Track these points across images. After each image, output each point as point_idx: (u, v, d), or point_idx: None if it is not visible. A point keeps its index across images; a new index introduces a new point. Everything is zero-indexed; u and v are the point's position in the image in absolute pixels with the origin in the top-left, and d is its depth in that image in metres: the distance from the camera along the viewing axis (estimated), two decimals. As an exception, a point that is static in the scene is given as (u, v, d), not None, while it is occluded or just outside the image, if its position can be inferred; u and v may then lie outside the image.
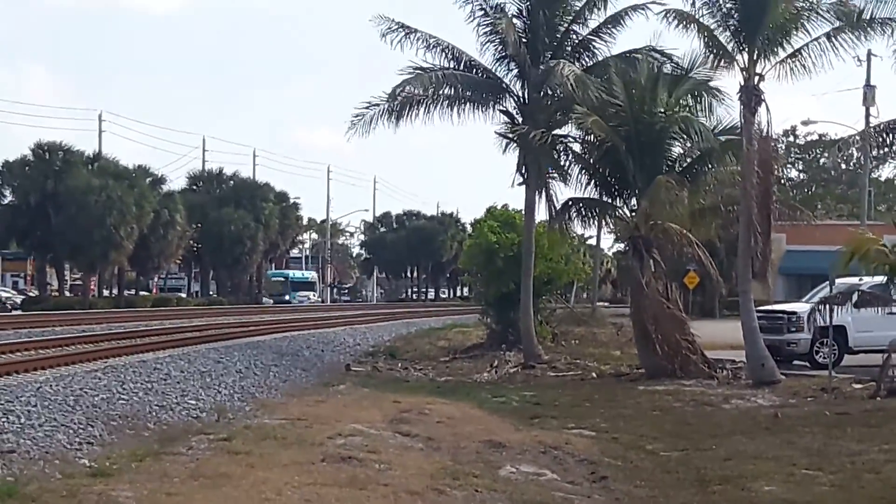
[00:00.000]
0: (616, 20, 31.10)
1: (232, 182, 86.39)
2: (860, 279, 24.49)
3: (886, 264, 21.82)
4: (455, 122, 31.83)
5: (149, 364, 23.85)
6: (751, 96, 25.02)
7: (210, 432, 16.00)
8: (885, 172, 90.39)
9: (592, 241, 73.14)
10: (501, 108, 31.94)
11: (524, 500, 12.25)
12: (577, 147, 30.98)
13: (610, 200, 29.86)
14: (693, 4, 25.31)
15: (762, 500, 12.45)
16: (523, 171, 31.42)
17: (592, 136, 29.41)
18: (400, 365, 31.56)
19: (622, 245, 37.52)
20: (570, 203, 30.45)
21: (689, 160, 29.29)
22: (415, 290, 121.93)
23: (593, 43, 31.60)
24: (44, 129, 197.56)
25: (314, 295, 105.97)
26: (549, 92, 31.09)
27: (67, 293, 69.29)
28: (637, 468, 14.66)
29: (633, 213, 28.50)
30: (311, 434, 15.72)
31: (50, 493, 11.12)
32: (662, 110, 28.11)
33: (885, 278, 22.13)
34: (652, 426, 18.50)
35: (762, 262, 25.66)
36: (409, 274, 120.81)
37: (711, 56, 26.02)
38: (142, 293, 76.80)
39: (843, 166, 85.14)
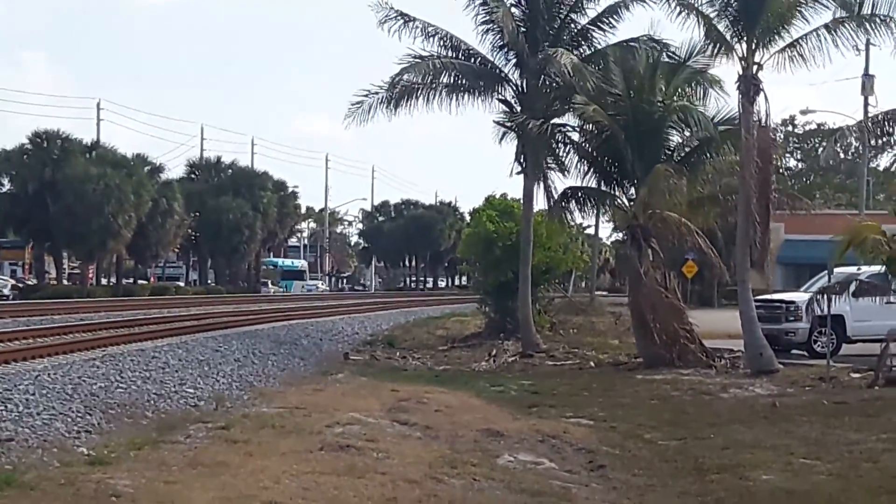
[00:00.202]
0: (614, 10, 31.02)
1: (230, 170, 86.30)
2: (858, 269, 24.50)
3: (883, 254, 21.83)
4: (454, 111, 31.92)
5: (147, 352, 23.83)
6: (749, 86, 24.97)
7: (208, 421, 16.00)
8: (884, 162, 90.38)
9: (591, 231, 73.11)
10: (500, 97, 31.92)
11: (522, 488, 12.25)
12: (575, 136, 30.98)
13: (608, 189, 29.85)
14: (692, -7, 25.28)
15: (760, 488, 12.45)
16: (522, 161, 31.42)
17: (591, 126, 29.38)
18: (398, 354, 31.58)
19: (620, 234, 37.56)
20: (569, 192, 30.46)
21: (687, 149, 29.29)
22: (413, 279, 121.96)
23: (592, 32, 31.54)
24: (42, 118, 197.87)
25: (322, 284, 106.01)
26: (548, 81, 31.06)
27: (65, 281, 69.18)
28: (635, 457, 14.67)
29: (632, 203, 28.48)
30: (309, 422, 15.73)
31: (48, 481, 11.11)
32: (661, 99, 28.10)
33: (883, 268, 22.15)
34: (650, 415, 18.50)
35: (761, 252, 25.67)
36: (407, 263, 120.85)
37: (710, 45, 25.97)
38: (140, 282, 76.74)
39: (842, 156, 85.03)
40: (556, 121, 30.78)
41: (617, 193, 29.77)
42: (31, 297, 55.74)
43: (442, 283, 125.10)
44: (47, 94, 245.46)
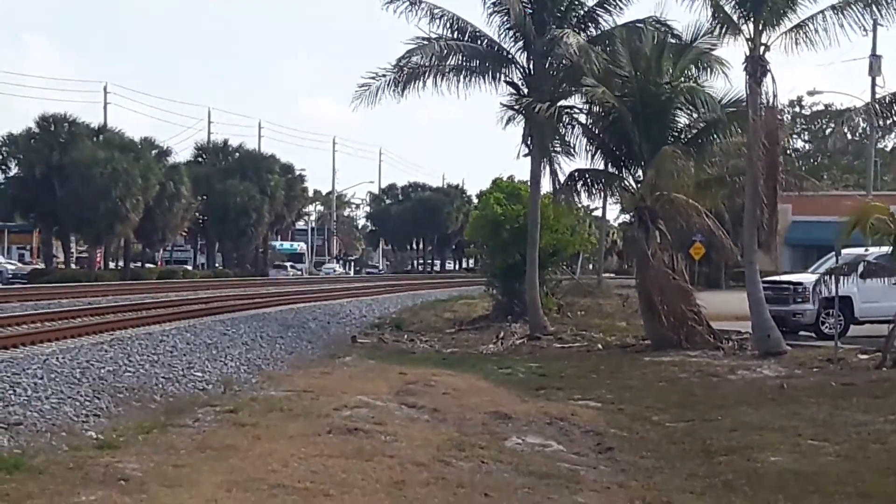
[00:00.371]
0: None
1: (237, 154, 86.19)
2: (866, 250, 24.47)
3: (891, 235, 21.79)
4: (461, 94, 31.84)
5: (155, 336, 23.88)
6: (756, 67, 24.86)
7: (216, 404, 16.05)
8: (891, 143, 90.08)
9: (598, 213, 72.96)
10: (507, 79, 31.83)
11: (530, 470, 12.26)
12: (582, 118, 30.89)
13: (616, 171, 29.79)
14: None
15: (768, 470, 12.45)
16: (529, 143, 31.34)
17: (598, 107, 29.33)
18: (406, 336, 31.64)
19: (628, 216, 37.44)
20: (576, 174, 30.36)
21: (694, 131, 29.22)
22: (420, 261, 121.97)
23: (598, 14, 31.45)
24: (49, 102, 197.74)
25: (339, 267, 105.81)
26: (555, 63, 30.95)
27: (73, 265, 69.23)
28: (643, 439, 14.68)
29: (639, 184, 28.45)
30: (317, 406, 15.76)
31: (56, 465, 11.16)
32: (668, 81, 28.01)
33: (891, 248, 22.11)
34: (658, 397, 18.51)
35: (768, 233, 25.59)
36: (414, 246, 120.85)
37: (717, 26, 25.84)
38: (147, 265, 76.74)
39: (850, 137, 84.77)
40: (563, 103, 30.69)
41: (624, 175, 29.72)
42: (38, 280, 55.87)
43: (449, 266, 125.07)
44: (54, 77, 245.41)
